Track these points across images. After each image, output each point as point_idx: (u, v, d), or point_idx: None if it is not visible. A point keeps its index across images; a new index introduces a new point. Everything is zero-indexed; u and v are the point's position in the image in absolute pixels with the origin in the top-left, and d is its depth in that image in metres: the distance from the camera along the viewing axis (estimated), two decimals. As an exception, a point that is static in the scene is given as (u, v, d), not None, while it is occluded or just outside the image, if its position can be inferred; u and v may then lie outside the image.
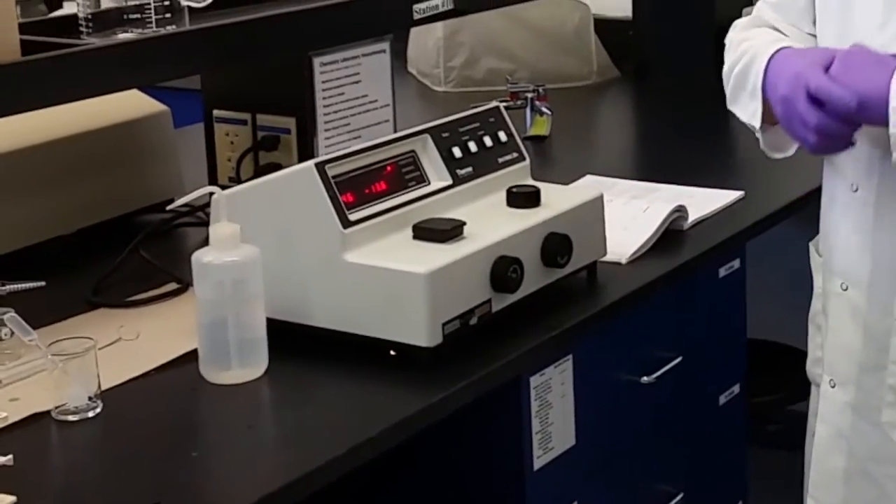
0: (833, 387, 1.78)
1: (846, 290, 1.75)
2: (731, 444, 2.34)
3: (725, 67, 1.84)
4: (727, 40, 1.87)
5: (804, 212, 2.26)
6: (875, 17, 1.67)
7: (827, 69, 1.62)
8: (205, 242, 1.73)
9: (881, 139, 1.65)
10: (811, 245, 1.90)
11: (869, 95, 1.59)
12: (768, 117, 1.75)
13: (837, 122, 1.61)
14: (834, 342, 1.78)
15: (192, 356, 1.74)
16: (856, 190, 1.72)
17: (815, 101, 1.61)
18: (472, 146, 1.94)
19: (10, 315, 1.69)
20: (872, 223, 1.70)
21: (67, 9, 2.26)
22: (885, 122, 1.59)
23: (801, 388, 2.04)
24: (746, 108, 1.77)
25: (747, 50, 1.78)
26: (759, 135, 1.81)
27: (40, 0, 2.73)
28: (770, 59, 1.71)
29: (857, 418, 1.76)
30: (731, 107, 1.82)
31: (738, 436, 2.35)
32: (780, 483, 2.15)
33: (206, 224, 2.14)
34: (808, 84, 1.62)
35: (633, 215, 2.17)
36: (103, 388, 1.65)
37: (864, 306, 1.73)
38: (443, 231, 1.78)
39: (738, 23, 1.89)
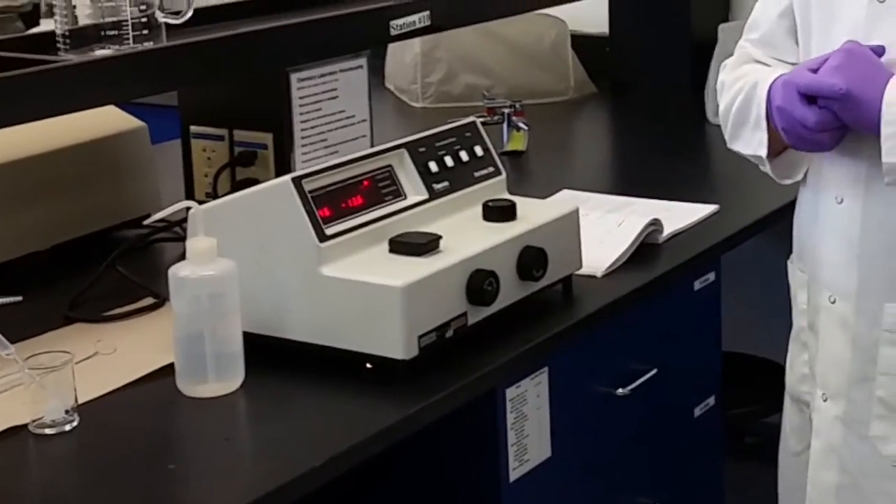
0: (825, 400, 1.79)
1: (834, 302, 1.76)
2: (707, 456, 2.35)
3: (722, 108, 1.85)
4: (719, 83, 1.89)
5: (779, 225, 2.28)
6: (857, 36, 1.69)
7: (816, 71, 1.65)
8: (181, 257, 1.74)
9: (864, 150, 1.67)
10: (789, 263, 1.91)
11: (860, 91, 1.61)
12: (775, 146, 1.77)
13: (835, 114, 1.63)
14: (824, 355, 1.79)
15: (168, 370, 1.74)
16: (840, 202, 1.74)
17: (810, 100, 1.64)
18: (449, 161, 1.95)
19: (-13, 329, 1.70)
20: (859, 234, 1.72)
21: (45, 26, 2.26)
22: (872, 127, 1.61)
23: (776, 400, 2.05)
24: (750, 142, 1.78)
25: (743, 87, 1.80)
26: (766, 167, 1.82)
27: (17, 17, 2.73)
28: (771, 86, 1.73)
29: (846, 432, 1.77)
30: (731, 145, 1.84)
31: (714, 447, 2.36)
32: (757, 495, 2.16)
33: (183, 239, 2.15)
34: (797, 86, 1.64)
35: (608, 229, 2.18)
36: (80, 401, 1.66)
37: (852, 318, 1.74)
38: (419, 245, 1.79)
39: (726, 63, 1.91)
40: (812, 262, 1.81)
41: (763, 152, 1.77)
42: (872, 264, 1.72)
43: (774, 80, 1.73)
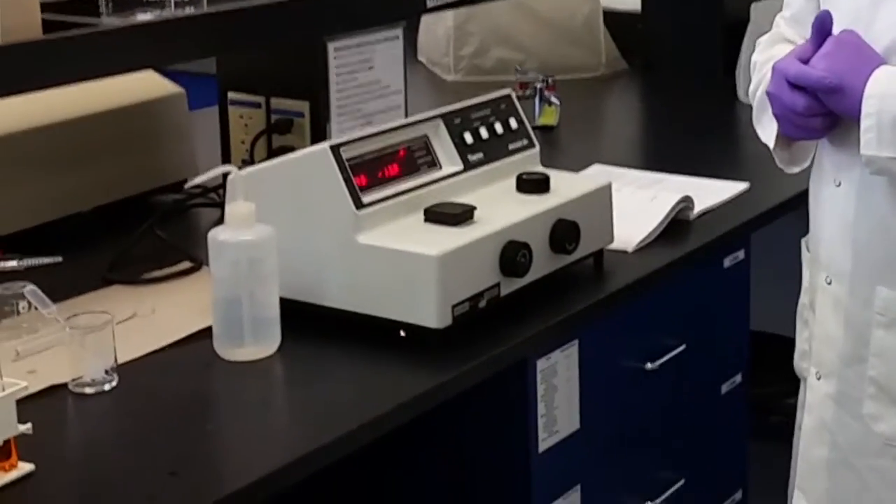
0: (818, 379, 1.81)
1: (830, 283, 1.78)
2: (732, 433, 2.37)
3: (751, 88, 1.88)
4: (752, 62, 1.91)
5: (808, 205, 2.29)
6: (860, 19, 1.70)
7: (807, 60, 1.67)
8: (218, 223, 1.76)
9: (858, 134, 1.68)
10: (803, 242, 1.94)
11: (845, 81, 1.63)
12: (786, 137, 1.79)
13: (822, 102, 1.66)
14: (819, 335, 1.81)
15: (206, 333, 1.77)
16: (838, 185, 1.76)
17: (798, 88, 1.66)
18: (484, 132, 1.97)
19: (30, 288, 1.72)
20: (854, 217, 1.74)
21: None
22: (855, 117, 1.64)
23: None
24: (766, 129, 1.81)
25: (769, 72, 1.81)
26: (775, 154, 1.85)
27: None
28: None
29: (839, 410, 1.79)
30: (755, 125, 1.87)
31: (738, 425, 2.38)
32: (779, 473, 2.18)
33: (219, 205, 2.18)
34: (786, 74, 1.67)
35: (640, 205, 2.19)
36: (120, 362, 1.69)
37: (846, 299, 1.76)
38: (454, 215, 1.81)
39: (761, 40, 1.92)
40: (815, 243, 1.84)
41: (770, 144, 1.81)
42: (866, 247, 1.74)
43: None
